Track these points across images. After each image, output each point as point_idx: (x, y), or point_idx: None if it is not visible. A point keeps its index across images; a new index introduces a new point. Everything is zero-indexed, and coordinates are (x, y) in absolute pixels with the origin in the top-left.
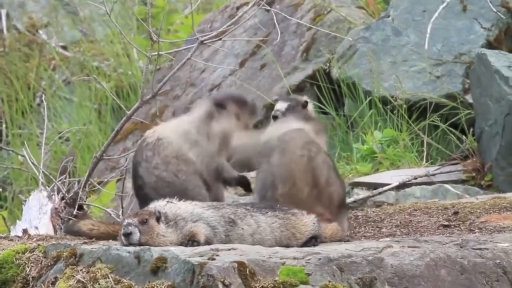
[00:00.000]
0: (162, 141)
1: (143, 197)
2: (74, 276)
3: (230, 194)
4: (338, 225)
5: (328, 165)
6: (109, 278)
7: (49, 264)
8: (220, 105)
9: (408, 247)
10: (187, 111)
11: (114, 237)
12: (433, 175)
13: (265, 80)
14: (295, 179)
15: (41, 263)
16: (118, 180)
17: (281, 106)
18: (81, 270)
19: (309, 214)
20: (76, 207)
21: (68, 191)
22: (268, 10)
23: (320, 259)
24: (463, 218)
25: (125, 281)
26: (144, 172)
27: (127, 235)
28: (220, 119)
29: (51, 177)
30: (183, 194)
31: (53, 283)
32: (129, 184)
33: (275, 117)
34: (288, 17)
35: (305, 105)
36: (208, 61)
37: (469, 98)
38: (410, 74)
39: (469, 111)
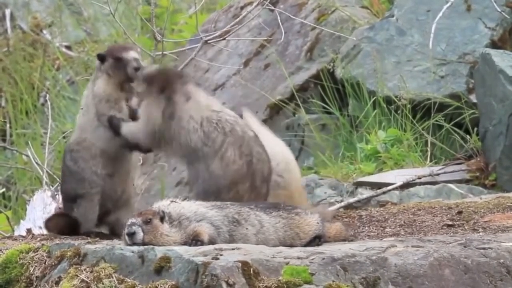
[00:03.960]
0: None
1: None
2: (78, 276)
3: None
4: (342, 225)
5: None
6: (113, 277)
7: (53, 263)
8: (100, 57)
9: (412, 246)
10: None
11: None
12: (437, 174)
13: (269, 80)
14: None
15: (45, 263)
16: None
17: None
18: (85, 269)
19: (313, 213)
20: None
21: None
22: (272, 10)
23: (324, 258)
24: (467, 217)
25: (128, 280)
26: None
27: (131, 234)
28: (97, 76)
29: (55, 176)
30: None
31: (57, 283)
32: None
33: None
34: (292, 16)
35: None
36: (212, 61)
37: (473, 98)
38: (414, 74)
39: (473, 111)
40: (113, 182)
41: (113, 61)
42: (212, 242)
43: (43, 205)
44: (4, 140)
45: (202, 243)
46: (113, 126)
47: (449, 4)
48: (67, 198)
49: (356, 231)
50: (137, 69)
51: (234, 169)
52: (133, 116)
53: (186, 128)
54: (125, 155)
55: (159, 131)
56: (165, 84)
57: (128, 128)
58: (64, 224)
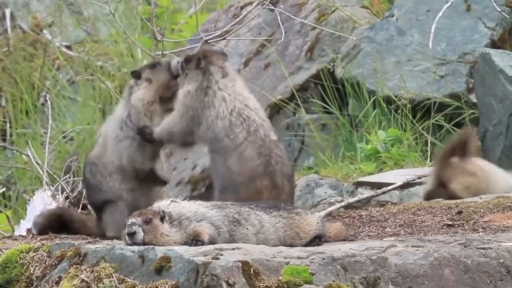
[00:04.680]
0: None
1: None
2: (78, 276)
3: None
4: (342, 225)
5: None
6: (113, 277)
7: (53, 263)
8: (136, 74)
9: (412, 246)
10: None
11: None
12: None
13: (269, 80)
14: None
15: (45, 263)
16: None
17: None
18: (85, 269)
19: (313, 213)
20: (80, 206)
21: (72, 191)
22: (272, 10)
23: (324, 258)
24: (467, 217)
25: (129, 280)
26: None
27: (131, 234)
28: (136, 88)
29: (55, 176)
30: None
31: (57, 283)
32: None
33: None
34: (292, 16)
35: None
36: None
37: (473, 97)
38: (414, 73)
39: (473, 110)
40: (135, 195)
41: (152, 68)
42: (212, 242)
43: (43, 205)
44: (4, 140)
45: (203, 243)
46: (146, 135)
47: (449, 4)
48: (94, 208)
49: (356, 231)
50: (179, 62)
51: (250, 166)
52: None
53: (216, 109)
54: (146, 173)
55: (193, 115)
56: (202, 56)
57: (161, 127)
58: (51, 222)
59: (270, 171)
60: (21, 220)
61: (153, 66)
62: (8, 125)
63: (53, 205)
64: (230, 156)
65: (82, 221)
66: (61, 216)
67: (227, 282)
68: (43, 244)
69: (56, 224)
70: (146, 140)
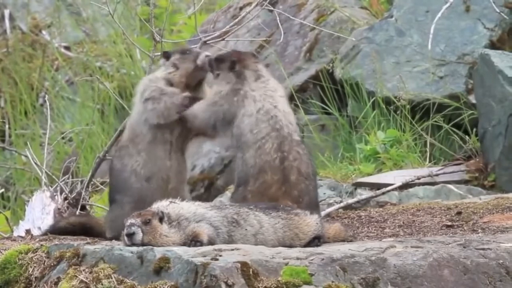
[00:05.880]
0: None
1: None
2: (77, 276)
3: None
4: (341, 225)
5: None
6: (112, 278)
7: (52, 264)
8: (166, 55)
9: (411, 247)
10: None
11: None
12: (436, 175)
13: None
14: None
15: (44, 263)
16: None
17: None
18: (84, 270)
19: (312, 214)
20: (79, 207)
21: (71, 191)
22: (271, 10)
23: (323, 259)
24: (466, 218)
25: (128, 281)
26: None
27: (130, 235)
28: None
29: (54, 177)
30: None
31: (56, 283)
32: None
33: None
34: (291, 17)
35: None
36: None
37: (472, 98)
38: (413, 74)
39: (472, 111)
40: (150, 188)
41: (182, 54)
42: (211, 242)
43: (42, 205)
44: (3, 141)
45: (201, 244)
46: (184, 105)
47: (448, 4)
48: (109, 198)
49: (355, 231)
50: (208, 56)
51: (265, 160)
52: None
53: (245, 108)
54: (166, 155)
55: (217, 111)
56: (236, 59)
57: (191, 109)
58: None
59: (284, 166)
60: (20, 221)
61: (183, 52)
62: (7, 125)
63: (51, 206)
64: (250, 149)
65: (100, 225)
66: (84, 224)
67: (226, 283)
68: (42, 245)
69: (79, 230)
70: (182, 108)
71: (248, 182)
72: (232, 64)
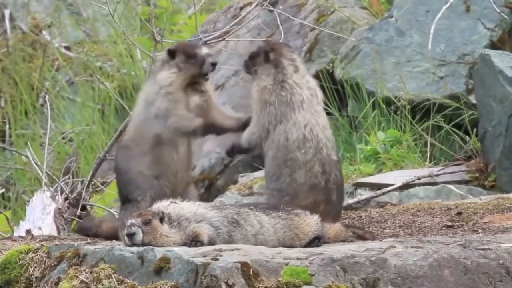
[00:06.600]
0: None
1: None
2: (77, 277)
3: (233, 194)
4: (341, 226)
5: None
6: (112, 278)
7: (53, 264)
8: (171, 52)
9: (412, 247)
10: None
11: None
12: (437, 175)
13: None
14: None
15: (44, 264)
16: None
17: None
18: (84, 270)
19: (312, 214)
20: (80, 207)
21: (71, 192)
22: (271, 11)
23: (323, 259)
24: (466, 218)
25: (128, 281)
26: None
27: (130, 235)
28: (162, 68)
29: (54, 177)
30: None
31: (57, 284)
32: None
33: None
34: (291, 17)
35: None
36: None
37: (472, 98)
38: (413, 74)
39: (472, 111)
40: (160, 185)
41: (186, 57)
42: (211, 242)
43: (42, 205)
44: (3, 141)
45: (202, 244)
46: (235, 151)
47: (448, 4)
48: (120, 199)
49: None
50: (214, 64)
51: (314, 183)
52: (201, 113)
53: (295, 114)
54: (173, 151)
55: (270, 111)
56: (269, 49)
57: (243, 138)
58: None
59: (328, 188)
60: (21, 221)
61: (188, 56)
62: (7, 126)
63: (52, 206)
64: (299, 169)
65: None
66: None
67: (226, 283)
68: (42, 245)
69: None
70: (235, 153)
71: (298, 196)
72: (266, 54)
